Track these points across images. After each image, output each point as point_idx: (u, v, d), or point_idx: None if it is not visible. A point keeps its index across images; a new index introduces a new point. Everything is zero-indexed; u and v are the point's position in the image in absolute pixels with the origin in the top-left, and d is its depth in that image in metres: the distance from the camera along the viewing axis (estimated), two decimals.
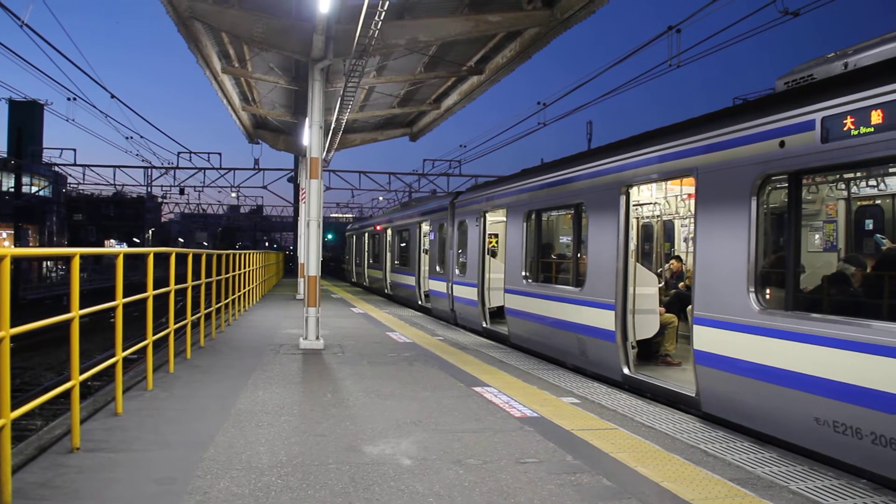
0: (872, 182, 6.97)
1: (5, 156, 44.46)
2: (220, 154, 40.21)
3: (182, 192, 47.07)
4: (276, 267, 32.03)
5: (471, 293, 14.65)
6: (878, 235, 6.98)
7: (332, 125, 16.57)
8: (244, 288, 16.28)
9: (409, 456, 5.10)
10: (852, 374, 5.19)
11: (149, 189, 45.44)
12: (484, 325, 14.08)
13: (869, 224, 7.21)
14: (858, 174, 6.85)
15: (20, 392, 12.35)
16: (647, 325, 8.68)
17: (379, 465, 4.86)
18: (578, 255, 10.15)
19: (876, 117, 5.15)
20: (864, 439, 5.09)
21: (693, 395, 7.10)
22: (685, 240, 11.58)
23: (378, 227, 27.55)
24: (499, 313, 13.46)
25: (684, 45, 12.13)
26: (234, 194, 48.51)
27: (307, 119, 11.69)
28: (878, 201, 7.20)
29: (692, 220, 8.02)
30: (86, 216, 61.20)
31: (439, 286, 17.42)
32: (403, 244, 23.26)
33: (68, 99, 23.31)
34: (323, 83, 11.42)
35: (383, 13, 8.52)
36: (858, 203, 7.24)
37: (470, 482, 4.55)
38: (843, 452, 5.32)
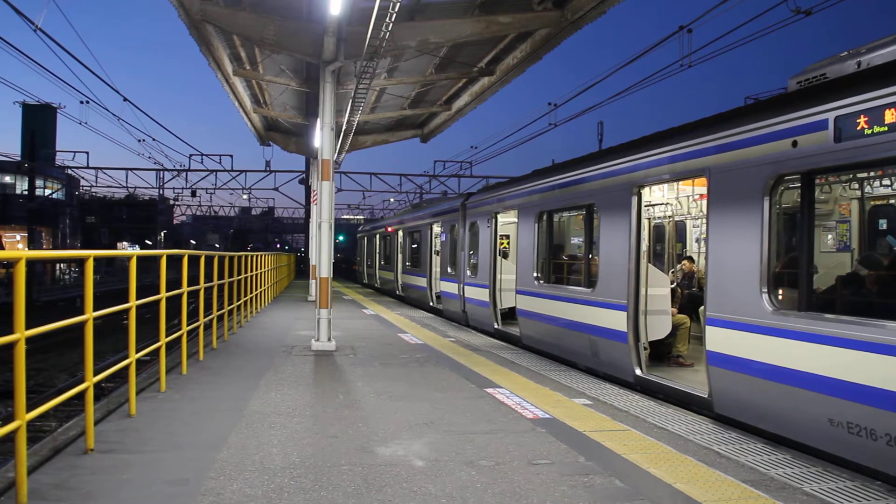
0: (886, 182, 6.91)
1: (19, 159, 44.86)
2: (231, 156, 40.59)
3: (194, 194, 47.36)
4: (287, 269, 32.13)
5: (482, 294, 14.64)
6: (891, 237, 6.92)
7: (344, 127, 16.61)
8: (256, 290, 16.35)
9: (421, 457, 5.11)
10: (867, 374, 5.15)
11: (161, 191, 45.82)
12: (495, 326, 14.07)
13: (883, 224, 7.15)
14: (872, 174, 6.79)
15: (35, 393, 12.45)
16: (659, 325, 8.65)
17: (391, 467, 4.87)
18: (590, 255, 10.13)
19: (890, 116, 5.11)
20: (879, 441, 5.05)
21: (706, 396, 7.07)
22: (697, 240, 11.53)
23: (389, 229, 27.58)
24: (510, 314, 13.45)
25: (695, 45, 12.08)
26: (245, 196, 48.71)
27: (318, 121, 11.73)
28: (892, 201, 7.14)
29: (704, 220, 7.98)
30: (98, 218, 61.49)
31: (451, 287, 17.41)
32: (415, 246, 23.27)
33: (81, 102, 23.47)
34: (334, 85, 11.46)
35: (394, 15, 8.53)
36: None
37: (482, 483, 4.55)
38: (857, 454, 5.28)
